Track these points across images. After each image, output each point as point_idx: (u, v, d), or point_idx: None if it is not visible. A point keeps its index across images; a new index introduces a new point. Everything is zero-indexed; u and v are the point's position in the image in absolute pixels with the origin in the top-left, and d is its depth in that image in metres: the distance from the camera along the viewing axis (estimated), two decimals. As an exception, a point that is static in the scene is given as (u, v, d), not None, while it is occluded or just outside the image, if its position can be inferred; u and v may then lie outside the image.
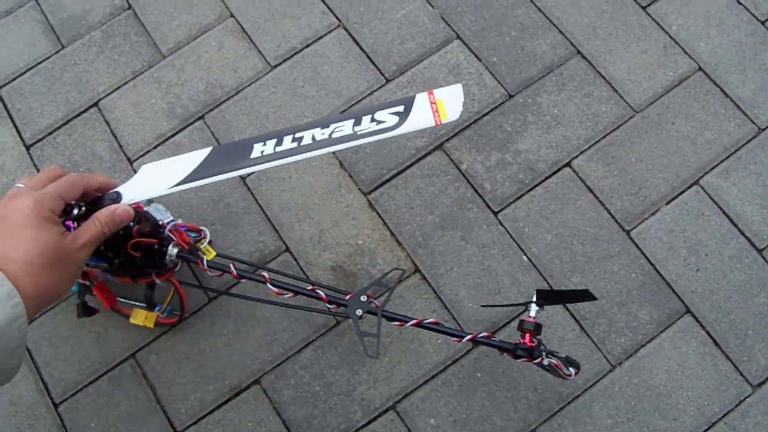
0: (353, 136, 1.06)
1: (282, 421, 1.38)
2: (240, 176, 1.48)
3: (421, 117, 1.06)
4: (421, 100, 1.08)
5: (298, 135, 1.09)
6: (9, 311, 0.84)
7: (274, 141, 1.10)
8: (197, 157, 1.13)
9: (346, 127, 1.08)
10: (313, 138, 1.08)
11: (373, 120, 1.08)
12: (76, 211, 1.11)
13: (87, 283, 1.40)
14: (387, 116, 1.08)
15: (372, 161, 1.49)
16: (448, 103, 1.07)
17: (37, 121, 1.66)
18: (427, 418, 1.35)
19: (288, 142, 1.09)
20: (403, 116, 1.07)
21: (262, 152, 1.09)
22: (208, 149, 1.13)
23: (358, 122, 1.08)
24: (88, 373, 1.46)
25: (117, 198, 1.11)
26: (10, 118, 1.67)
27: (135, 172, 1.49)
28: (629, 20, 1.57)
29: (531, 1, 1.60)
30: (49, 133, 1.65)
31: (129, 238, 1.19)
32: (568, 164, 1.47)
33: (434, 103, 1.07)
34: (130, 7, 1.74)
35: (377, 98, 1.54)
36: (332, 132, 1.08)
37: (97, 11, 1.74)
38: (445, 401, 1.35)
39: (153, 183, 1.13)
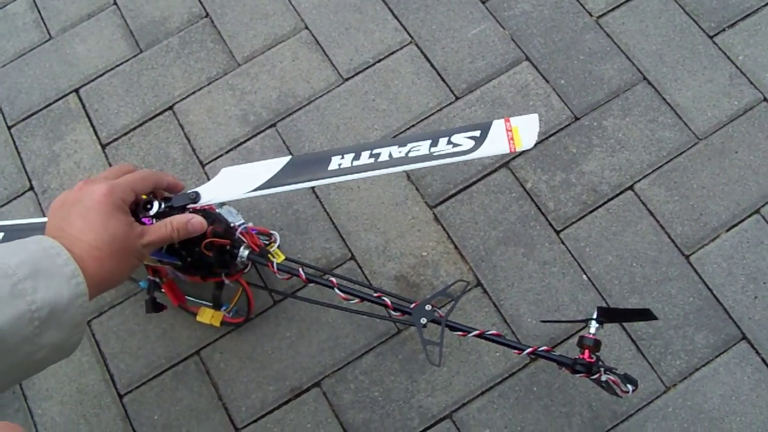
0: (429, 157, 1.13)
1: (340, 424, 1.45)
2: (309, 187, 1.56)
3: (496, 143, 1.12)
4: (498, 126, 1.14)
5: (375, 151, 1.16)
6: (73, 289, 0.93)
7: (351, 155, 1.17)
8: (276, 164, 1.21)
9: (423, 147, 1.14)
10: (390, 155, 1.15)
11: (449, 142, 1.14)
12: (155, 209, 1.20)
13: (157, 280, 1.48)
14: (463, 140, 1.14)
15: (439, 176, 1.58)
16: (524, 131, 1.13)
17: (113, 121, 1.76)
18: (482, 428, 1.42)
19: (365, 158, 1.16)
20: (479, 141, 1.13)
21: (339, 165, 1.17)
22: (287, 158, 1.21)
23: (434, 143, 1.14)
24: (153, 367, 1.55)
25: (196, 198, 1.20)
26: (88, 117, 1.77)
27: (207, 175, 1.60)
28: (696, 49, 1.64)
29: (600, 26, 1.67)
30: (125, 134, 1.75)
31: (203, 238, 1.25)
32: (631, 188, 1.54)
33: (510, 130, 1.13)
34: (207, 15, 1.84)
35: (446, 115, 1.63)
36: (409, 151, 1.15)
37: (175, 18, 1.85)
38: (501, 413, 1.42)
39: (232, 186, 1.22)
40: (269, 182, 1.18)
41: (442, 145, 1.13)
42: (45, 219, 1.29)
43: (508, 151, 1.10)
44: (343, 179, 1.13)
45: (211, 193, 1.20)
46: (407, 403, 1.44)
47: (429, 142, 1.14)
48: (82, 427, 1.52)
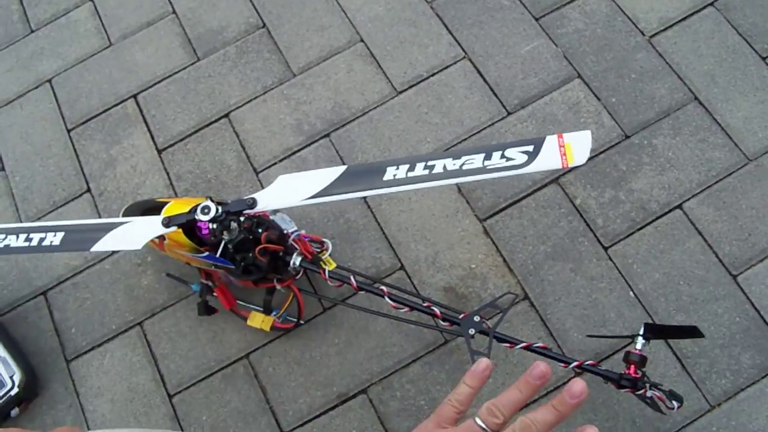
0: (482, 170, 1.15)
1: (385, 430, 1.50)
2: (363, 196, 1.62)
3: (549, 158, 1.13)
4: (551, 142, 1.15)
5: (430, 163, 1.18)
6: None
7: (406, 166, 1.19)
8: (332, 173, 1.23)
9: (476, 160, 1.17)
10: (445, 168, 1.17)
11: (503, 156, 1.16)
12: (213, 213, 1.25)
13: (209, 283, 1.54)
14: (517, 154, 1.15)
15: (489, 189, 1.62)
16: (577, 147, 1.14)
17: (170, 127, 1.83)
18: (526, 440, 1.45)
19: (420, 169, 1.18)
20: (532, 156, 1.14)
21: (394, 176, 1.19)
22: (343, 167, 1.24)
23: (488, 157, 1.16)
24: (202, 369, 1.61)
25: (253, 204, 1.24)
26: (145, 122, 1.85)
27: (260, 182, 1.66)
28: (748, 70, 1.68)
29: (652, 45, 1.72)
30: (181, 140, 1.82)
31: (257, 243, 1.32)
32: (680, 206, 1.58)
33: (563, 146, 1.14)
34: (264, 25, 1.91)
35: (498, 130, 1.67)
36: (463, 164, 1.17)
37: (233, 27, 1.93)
38: (545, 425, 1.45)
39: (288, 194, 1.25)
40: (325, 191, 1.21)
41: (496, 159, 1.15)
42: (104, 220, 1.36)
43: (561, 167, 1.12)
44: (398, 190, 1.16)
45: (267, 199, 1.24)
46: (452, 413, 1.46)
47: (482, 155, 1.16)
48: (132, 425, 1.58)
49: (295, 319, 1.54)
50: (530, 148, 1.14)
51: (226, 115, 1.80)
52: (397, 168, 1.19)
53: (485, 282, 1.55)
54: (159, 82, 1.87)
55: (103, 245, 1.27)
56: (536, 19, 1.77)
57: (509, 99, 1.69)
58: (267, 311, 1.52)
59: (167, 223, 1.26)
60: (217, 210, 1.23)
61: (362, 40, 1.81)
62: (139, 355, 1.63)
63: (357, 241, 1.61)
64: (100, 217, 1.72)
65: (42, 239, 1.31)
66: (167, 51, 1.88)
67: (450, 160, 1.17)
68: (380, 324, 1.55)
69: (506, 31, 1.76)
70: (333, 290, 1.56)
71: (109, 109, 1.88)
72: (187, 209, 1.28)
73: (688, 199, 1.58)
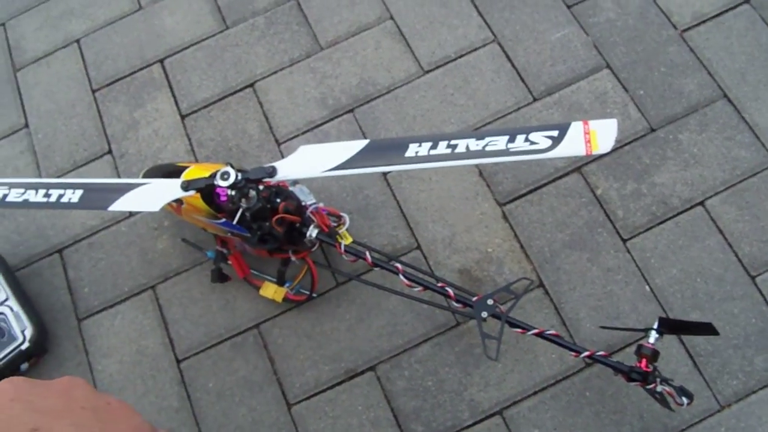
0: (505, 152, 1.15)
1: (391, 409, 1.50)
2: (383, 171, 1.62)
3: (573, 145, 1.13)
4: (576, 128, 1.14)
5: (453, 142, 1.18)
6: None
7: (429, 144, 1.18)
8: (354, 147, 1.23)
9: (500, 142, 1.16)
10: (467, 147, 1.17)
11: (527, 140, 1.15)
12: (232, 179, 1.24)
13: (224, 251, 1.54)
14: (541, 138, 1.15)
15: (511, 174, 1.61)
16: (602, 135, 1.13)
17: (194, 93, 1.83)
18: (531, 428, 1.45)
19: (442, 147, 1.18)
20: (556, 141, 1.14)
21: (416, 153, 1.18)
22: (365, 141, 1.23)
23: (512, 139, 1.15)
24: (212, 336, 1.61)
25: (273, 172, 1.23)
26: (170, 87, 1.85)
27: (281, 153, 1.65)
28: (780, 71, 1.66)
29: (684, 39, 1.70)
30: (204, 107, 1.82)
31: (275, 213, 1.31)
32: (702, 203, 1.56)
33: (588, 133, 1.13)
34: (294, -3, 1.91)
35: (523, 115, 1.66)
36: (486, 145, 1.16)
37: (263, -2, 1.92)
38: (551, 414, 1.45)
39: (308, 164, 1.25)
40: (346, 163, 1.20)
41: (519, 142, 1.15)
42: (123, 180, 1.36)
43: (584, 154, 1.12)
44: (420, 167, 1.16)
45: (288, 169, 1.24)
46: (459, 396, 1.48)
47: (506, 137, 1.15)
48: (138, 387, 1.59)
49: (308, 292, 1.54)
50: (555, 133, 1.14)
51: (251, 85, 1.79)
52: (420, 145, 1.18)
53: (501, 267, 1.54)
54: (186, 48, 1.86)
55: (121, 205, 1.27)
56: (568, 7, 1.76)
57: (536, 85, 1.68)
58: (280, 282, 1.52)
59: (186, 186, 1.26)
60: (236, 176, 1.22)
61: (392, 18, 1.80)
62: (150, 319, 1.63)
63: (374, 217, 1.60)
64: (119, 178, 1.71)
65: (61, 195, 1.30)
66: (196, 17, 1.87)
67: (473, 140, 1.17)
68: (392, 302, 1.55)
69: (537, 16, 1.74)
70: (347, 265, 1.55)
71: (135, 72, 1.87)
72: (206, 174, 1.28)
73: (711, 197, 1.57)
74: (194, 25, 1.87)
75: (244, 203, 1.27)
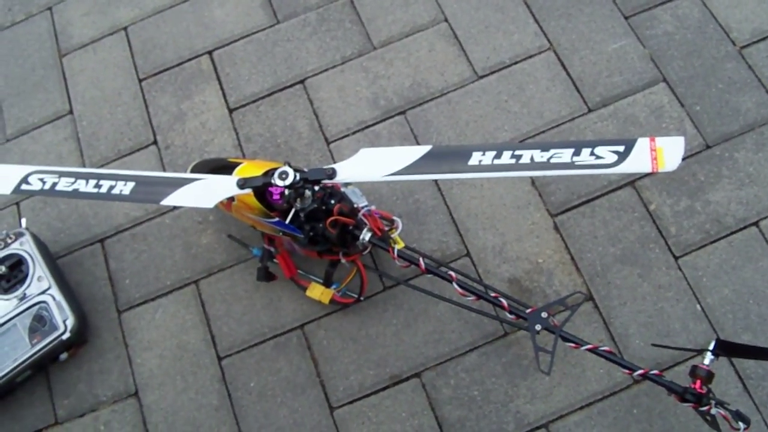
0: (570, 165, 1.13)
1: (435, 417, 1.49)
2: (445, 179, 1.61)
3: (639, 161, 1.11)
4: (643, 144, 1.12)
5: (517, 152, 1.16)
6: None
7: (493, 153, 1.17)
8: (415, 152, 1.21)
9: (565, 155, 1.14)
10: (532, 158, 1.15)
11: (592, 154, 1.14)
12: (291, 179, 1.22)
13: (272, 249, 1.53)
14: (607, 153, 1.13)
15: (564, 185, 1.60)
16: (669, 153, 1.12)
17: (243, 87, 1.82)
18: (577, 442, 1.43)
19: (507, 157, 1.16)
20: (622, 156, 1.12)
21: (479, 162, 1.17)
22: (427, 147, 1.22)
23: (577, 152, 1.14)
24: (255, 334, 1.60)
25: (332, 174, 1.21)
26: (219, 80, 1.83)
27: (330, 152, 1.65)
28: (840, 92, 1.64)
29: (742, 56, 1.68)
30: (253, 101, 1.80)
31: (328, 214, 1.30)
32: (756, 224, 1.55)
33: (655, 150, 1.12)
34: (348, -5, 1.89)
35: (577, 125, 1.65)
36: (551, 157, 1.15)
37: (316, -6, 1.90)
38: (598, 430, 1.43)
39: (369, 168, 1.23)
40: (407, 169, 1.19)
41: (585, 156, 1.14)
42: (176, 174, 1.35)
43: (651, 171, 1.11)
44: (483, 176, 1.18)
45: (347, 171, 1.22)
46: (505, 407, 1.47)
47: (572, 150, 1.14)
48: (178, 382, 1.58)
49: (356, 295, 1.52)
50: (621, 148, 1.12)
51: (302, 82, 1.79)
52: (483, 154, 1.17)
53: (551, 278, 1.53)
54: (236, 41, 1.86)
55: (174, 200, 1.26)
56: (626, 18, 1.75)
57: (591, 96, 1.68)
58: (327, 284, 1.51)
59: (242, 184, 1.24)
60: (295, 177, 1.21)
61: (446, 20, 1.79)
62: (192, 314, 1.62)
63: (424, 222, 1.60)
64: (164, 170, 1.71)
65: (112, 187, 1.29)
66: (246, 10, 1.87)
67: (538, 151, 1.15)
68: (440, 309, 1.53)
69: (594, 26, 1.73)
70: (395, 269, 1.53)
71: (183, 63, 1.87)
72: (260, 172, 1.28)
73: (766, 218, 1.55)
74: (244, 18, 1.87)
75: (298, 203, 1.27)
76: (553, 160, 1.14)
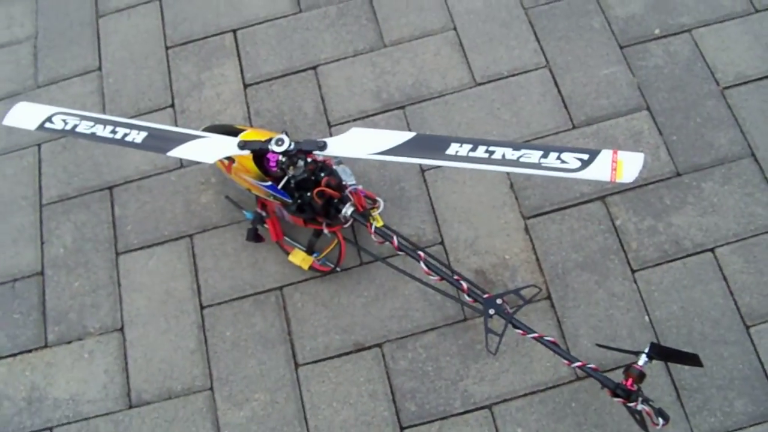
0: (537, 166, 1.24)
1: (390, 386, 1.60)
2: (422, 167, 1.74)
3: (599, 170, 1.21)
4: (605, 156, 1.22)
5: (491, 148, 1.27)
6: None
7: (469, 146, 1.28)
8: (401, 136, 1.33)
9: (534, 155, 1.25)
10: (503, 156, 1.26)
11: (559, 158, 1.24)
12: (286, 146, 1.34)
13: (263, 213, 1.64)
14: (572, 159, 1.23)
15: (539, 191, 1.71)
16: (628, 166, 1.21)
17: (260, 66, 1.96)
18: (515, 426, 1.54)
19: (481, 151, 1.28)
20: (585, 164, 1.22)
21: (456, 152, 1.29)
22: (412, 133, 1.33)
23: (545, 155, 1.24)
24: (237, 290, 1.73)
25: (323, 146, 1.34)
26: (238, 57, 1.97)
27: (331, 134, 1.76)
28: (810, 140, 1.71)
29: (723, 96, 1.79)
30: (267, 80, 1.94)
31: (317, 186, 1.41)
32: (712, 250, 1.65)
33: (615, 162, 1.21)
34: (368, -6, 2.01)
35: (560, 139, 1.76)
36: (521, 156, 1.25)
37: (338, -10, 2.02)
38: (536, 417, 1.54)
39: (357, 145, 1.35)
40: (391, 150, 1.30)
41: (552, 159, 1.24)
42: (185, 130, 1.46)
43: (608, 180, 1.20)
44: (458, 165, 1.26)
45: (337, 146, 1.34)
46: (454, 385, 1.58)
47: (540, 152, 1.24)
48: (161, 324, 1.71)
49: (333, 265, 1.63)
50: (585, 156, 1.23)
51: (314, 68, 1.93)
52: (461, 146, 1.28)
53: (515, 274, 1.65)
54: (260, 23, 2.00)
55: (179, 152, 1.39)
56: (621, 47, 1.87)
57: (578, 114, 1.80)
58: (309, 251, 1.61)
59: (243, 146, 1.36)
60: (290, 144, 1.33)
61: (455, 29, 1.93)
62: (183, 264, 1.75)
63: (406, 209, 1.72)
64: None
65: (126, 134, 1.42)
66: (272, -4, 1.98)
67: (510, 149, 1.26)
68: (408, 288, 1.65)
69: (590, 51, 1.85)
70: (373, 247, 1.64)
71: (208, 37, 2.01)
72: (262, 139, 1.38)
73: (722, 246, 1.65)
74: (270, 3, 2.02)
75: (291, 171, 1.38)
76: (522, 159, 1.24)
